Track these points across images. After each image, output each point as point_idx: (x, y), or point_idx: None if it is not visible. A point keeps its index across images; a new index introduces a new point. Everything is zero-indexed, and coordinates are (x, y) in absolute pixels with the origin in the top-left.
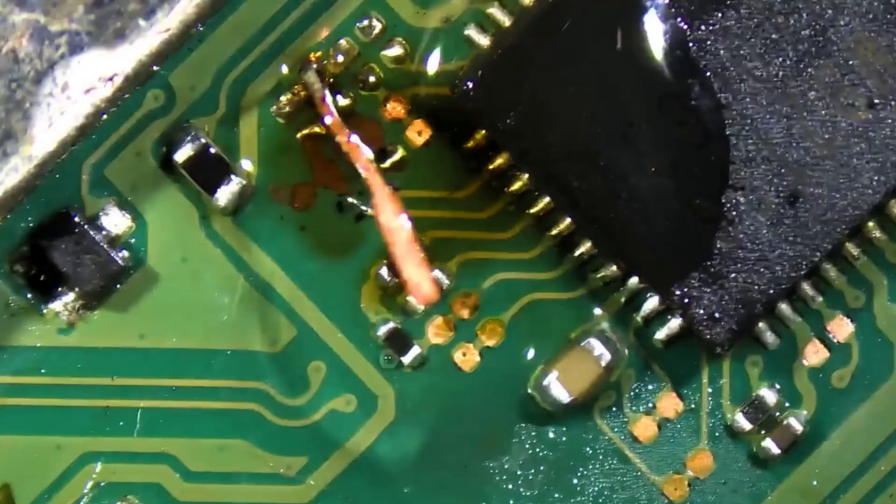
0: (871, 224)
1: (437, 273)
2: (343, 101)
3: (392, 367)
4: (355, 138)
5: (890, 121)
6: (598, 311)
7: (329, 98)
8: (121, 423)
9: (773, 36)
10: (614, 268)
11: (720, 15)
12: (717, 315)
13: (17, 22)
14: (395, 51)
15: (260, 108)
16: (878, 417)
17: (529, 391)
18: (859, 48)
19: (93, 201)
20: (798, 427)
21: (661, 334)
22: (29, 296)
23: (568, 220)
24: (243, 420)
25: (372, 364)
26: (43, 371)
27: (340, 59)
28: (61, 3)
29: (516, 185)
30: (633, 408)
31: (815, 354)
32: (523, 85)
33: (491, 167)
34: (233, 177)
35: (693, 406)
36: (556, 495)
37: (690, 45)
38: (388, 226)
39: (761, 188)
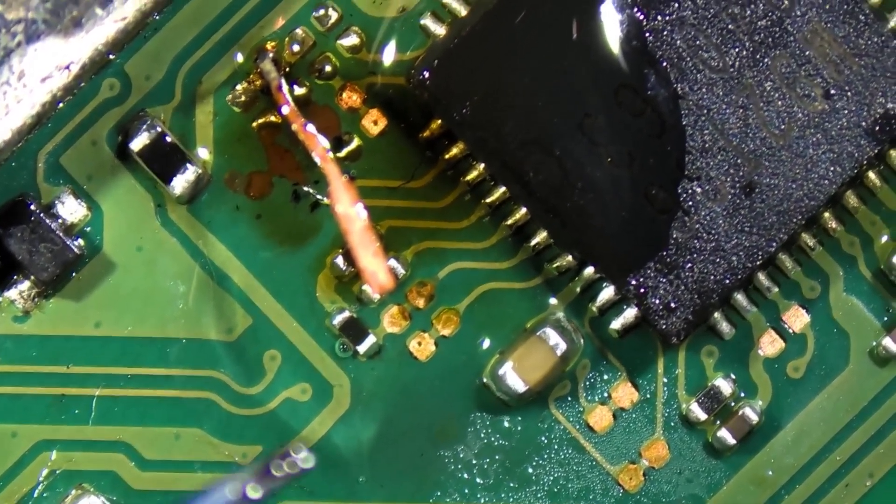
0: (826, 215)
1: (393, 262)
2: (299, 91)
3: (347, 355)
4: (311, 127)
5: (846, 111)
6: (553, 300)
7: (285, 87)
8: (76, 411)
9: (730, 26)
10: (570, 257)
11: (676, 5)
12: (672, 305)
13: None
14: (351, 40)
15: (216, 97)
16: (833, 408)
17: (485, 380)
18: (815, 38)
19: (48, 189)
20: (753, 417)
21: (616, 324)
22: None
23: (523, 210)
24: (199, 408)
25: (327, 353)
26: None
27: (296, 48)
28: None
29: (472, 175)
30: (589, 397)
31: (770, 345)
32: (479, 74)
33: (447, 156)
34: (188, 165)
35: (648, 396)
36: (511, 484)
37: (647, 35)
38: (344, 215)
39: (717, 178)
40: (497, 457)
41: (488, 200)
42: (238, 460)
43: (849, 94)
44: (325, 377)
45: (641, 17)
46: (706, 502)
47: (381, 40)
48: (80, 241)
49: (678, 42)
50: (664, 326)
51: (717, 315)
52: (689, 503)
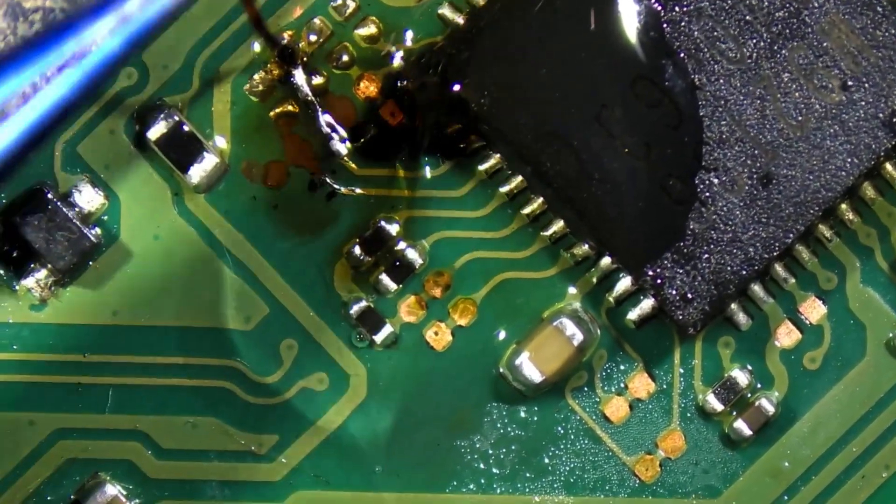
0: (843, 206)
1: (410, 251)
2: (317, 80)
3: (364, 345)
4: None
5: (863, 103)
6: (570, 290)
7: (302, 76)
8: (93, 400)
9: (747, 17)
10: (587, 247)
11: None
12: (689, 296)
13: None
14: (369, 30)
15: (233, 87)
16: (850, 399)
17: (501, 370)
18: (833, 30)
19: (66, 178)
20: (770, 408)
21: (633, 314)
22: (1, 272)
23: (541, 200)
24: (215, 397)
25: (344, 342)
26: (15, 347)
27: (314, 38)
28: None
29: (489, 165)
30: (605, 388)
31: (787, 336)
32: (496, 65)
33: (464, 147)
34: (205, 154)
35: (665, 387)
36: (528, 475)
37: (664, 26)
38: None
39: (734, 169)
40: (513, 447)
41: (505, 190)
42: (254, 449)
43: (866, 85)
44: (341, 367)
45: (659, 7)
46: (722, 493)
47: (399, 30)
48: (98, 230)
49: (696, 33)
50: (681, 317)
51: (733, 306)
52: (706, 494)
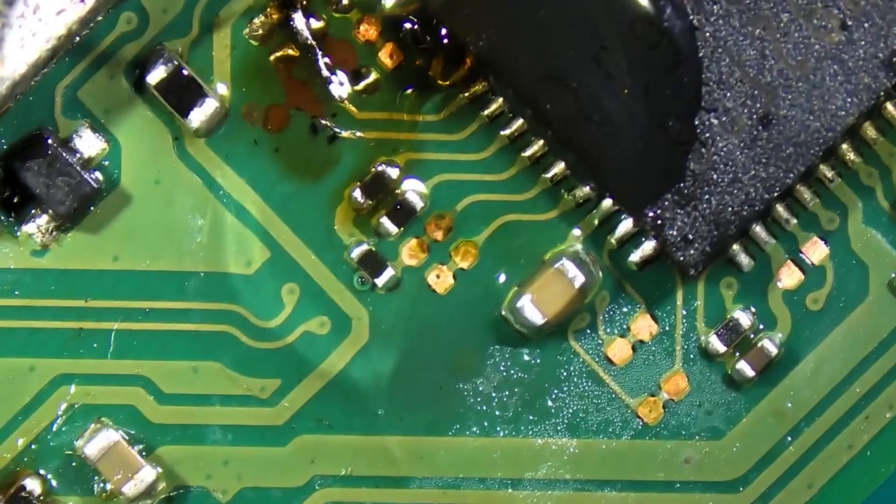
0: (845, 146)
1: (411, 194)
2: (316, 24)
3: (366, 289)
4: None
5: (863, 42)
6: (571, 232)
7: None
8: (94, 345)
9: None
10: (587, 188)
11: None
12: (690, 237)
13: None
14: None
15: (233, 31)
16: (853, 340)
17: (503, 313)
18: None
19: (66, 123)
20: (772, 349)
21: (635, 256)
22: (2, 218)
23: (541, 142)
24: (217, 342)
25: (346, 286)
26: (16, 293)
27: None
28: None
29: (491, 108)
30: (608, 330)
31: (789, 277)
32: (495, 6)
33: (466, 95)
34: (206, 99)
35: (667, 328)
36: (531, 417)
37: None
38: None
39: (734, 110)
40: (516, 390)
41: (506, 133)
42: (257, 394)
43: (866, 25)
44: (343, 310)
45: None
46: (726, 434)
47: None
48: (98, 175)
49: None
50: (682, 258)
51: (735, 247)
52: (709, 435)
